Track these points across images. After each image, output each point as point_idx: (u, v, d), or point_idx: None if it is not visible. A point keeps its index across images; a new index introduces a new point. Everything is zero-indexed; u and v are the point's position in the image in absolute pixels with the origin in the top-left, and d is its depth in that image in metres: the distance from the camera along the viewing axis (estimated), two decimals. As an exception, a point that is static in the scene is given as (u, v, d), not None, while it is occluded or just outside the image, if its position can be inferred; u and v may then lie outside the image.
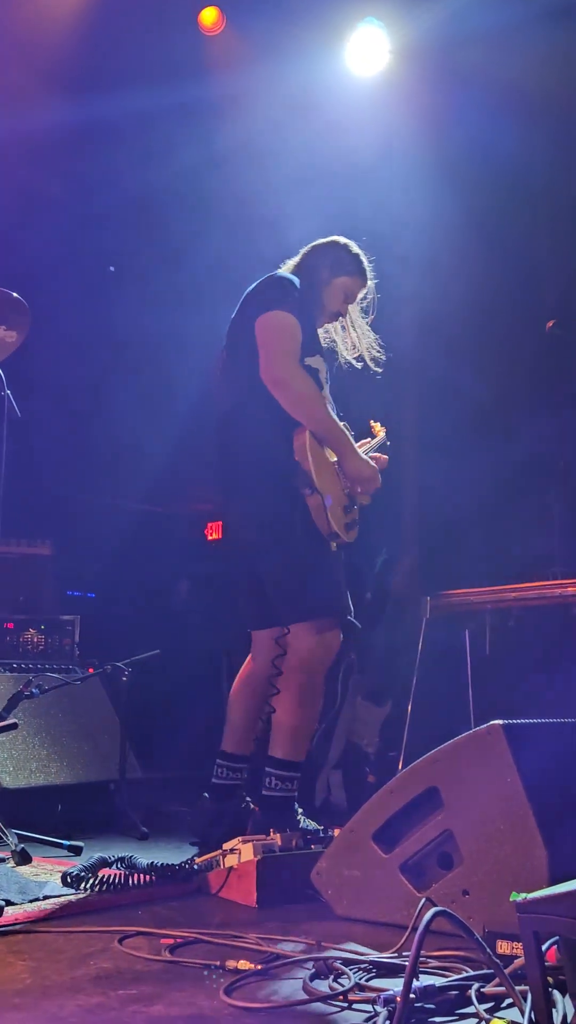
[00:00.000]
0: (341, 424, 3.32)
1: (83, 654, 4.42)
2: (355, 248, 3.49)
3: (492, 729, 2.43)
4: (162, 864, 2.92)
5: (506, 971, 1.89)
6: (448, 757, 2.48)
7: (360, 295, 3.49)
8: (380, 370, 3.53)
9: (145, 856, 3.10)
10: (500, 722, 2.42)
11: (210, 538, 4.87)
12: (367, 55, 5.09)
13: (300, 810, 3.30)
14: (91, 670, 4.09)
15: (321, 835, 3.01)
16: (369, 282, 3.49)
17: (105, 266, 5.15)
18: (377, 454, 3.52)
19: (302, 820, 3.25)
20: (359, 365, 3.55)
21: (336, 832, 2.87)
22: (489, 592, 4.04)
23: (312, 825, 3.21)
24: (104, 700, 4.22)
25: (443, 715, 4.17)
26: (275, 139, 4.76)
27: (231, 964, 2.18)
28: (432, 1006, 1.91)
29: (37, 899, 2.68)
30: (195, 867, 2.88)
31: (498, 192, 4.78)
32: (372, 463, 3.34)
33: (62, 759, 3.93)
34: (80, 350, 5.07)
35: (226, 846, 2.85)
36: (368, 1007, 1.94)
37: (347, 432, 3.34)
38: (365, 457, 3.36)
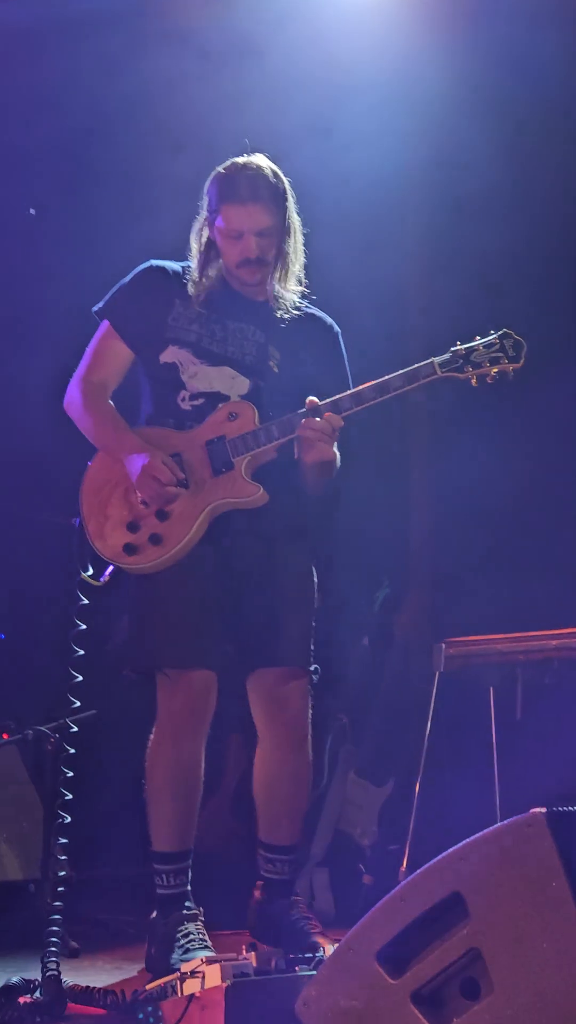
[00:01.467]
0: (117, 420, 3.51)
1: (-7, 714, 4.47)
2: (224, 166, 3.46)
3: (533, 819, 2.38)
4: (101, 990, 2.92)
5: None
6: (475, 854, 2.43)
7: (243, 217, 3.40)
8: (302, 304, 3.52)
9: (76, 978, 3.10)
10: (542, 809, 2.38)
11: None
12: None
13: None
14: (5, 736, 4.12)
15: (308, 953, 2.99)
16: (241, 174, 3.41)
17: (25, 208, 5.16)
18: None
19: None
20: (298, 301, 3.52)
21: (327, 949, 2.90)
22: (522, 639, 4.06)
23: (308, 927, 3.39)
24: (22, 775, 4.21)
25: (462, 797, 4.17)
26: (260, 43, 4.78)
27: None
28: None
29: None
30: (143, 995, 2.86)
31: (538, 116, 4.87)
32: (149, 455, 3.36)
33: (-35, 852, 3.93)
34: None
35: (185, 967, 2.83)
36: None
37: (112, 423, 3.50)
38: (143, 447, 3.40)
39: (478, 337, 3.38)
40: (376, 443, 5.03)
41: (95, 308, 3.54)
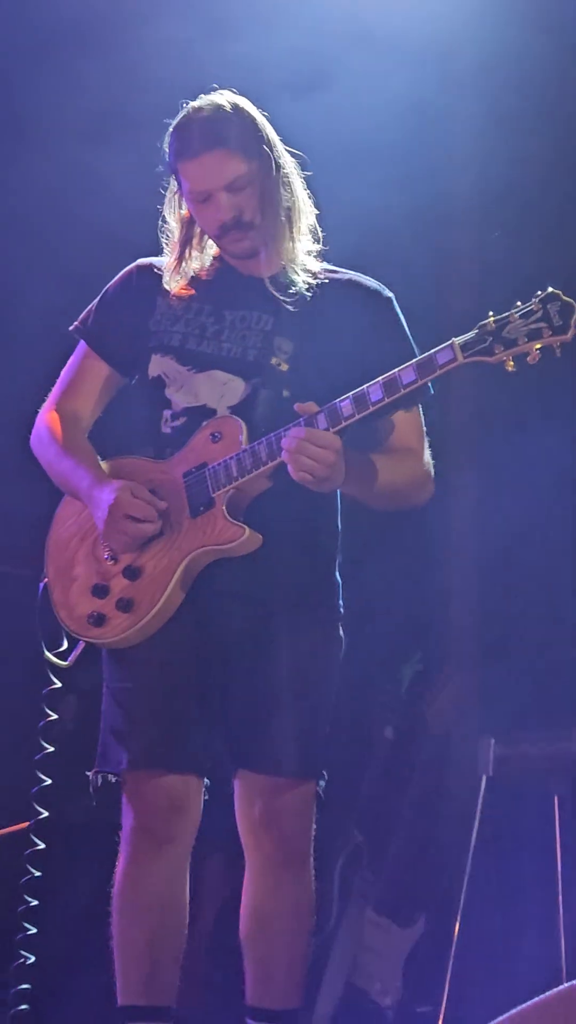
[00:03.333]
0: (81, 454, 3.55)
1: None
2: (176, 118, 3.46)
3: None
4: None
5: None
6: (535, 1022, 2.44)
7: (201, 172, 3.37)
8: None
9: None
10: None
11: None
12: None
13: None
14: None
15: None
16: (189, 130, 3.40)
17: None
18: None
19: None
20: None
21: None
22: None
23: None
24: None
25: (516, 942, 4.21)
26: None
27: None
28: None
29: None
30: None
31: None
32: (116, 489, 3.37)
33: None
34: None
35: None
36: None
37: (76, 455, 3.53)
38: (105, 480, 3.43)
39: (519, 303, 3.24)
40: None
41: (71, 327, 3.60)
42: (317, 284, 3.45)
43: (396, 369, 3.24)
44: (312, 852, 3.48)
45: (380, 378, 3.26)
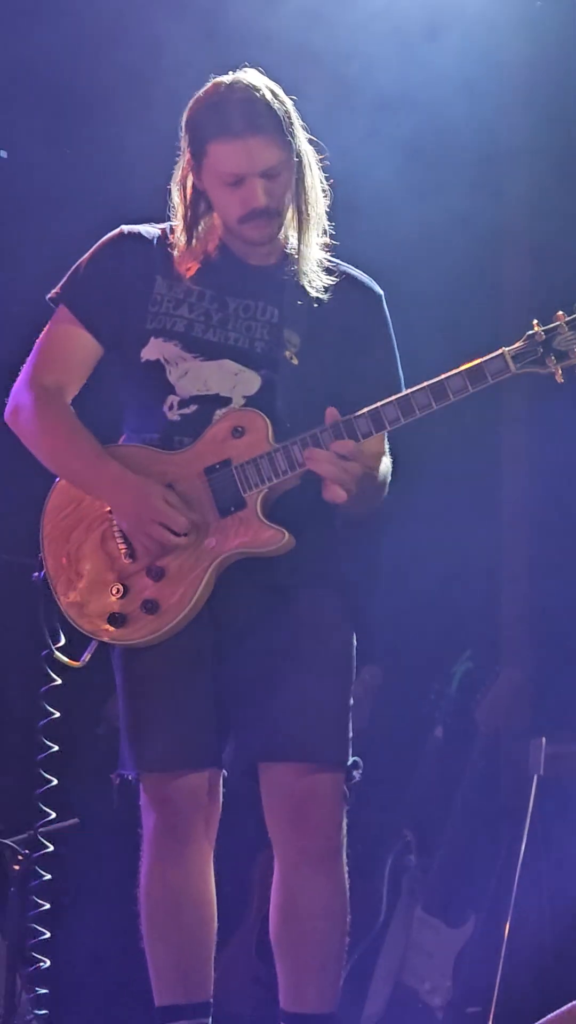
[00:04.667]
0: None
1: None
2: (204, 90, 3.37)
3: None
4: None
5: None
6: None
7: (241, 156, 3.29)
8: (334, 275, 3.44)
9: None
10: None
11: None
12: None
13: None
14: None
15: None
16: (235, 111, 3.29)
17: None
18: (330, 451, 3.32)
19: None
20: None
21: None
22: None
23: None
24: None
25: (567, 943, 4.17)
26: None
27: None
28: None
29: None
30: None
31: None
32: (146, 493, 3.28)
33: None
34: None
35: None
36: None
37: (80, 442, 3.39)
38: (126, 477, 3.32)
39: (561, 313, 3.20)
40: (454, 447, 5.09)
41: (49, 295, 3.46)
42: (320, 278, 3.41)
43: (443, 375, 3.21)
44: (344, 848, 3.37)
45: (426, 384, 3.23)
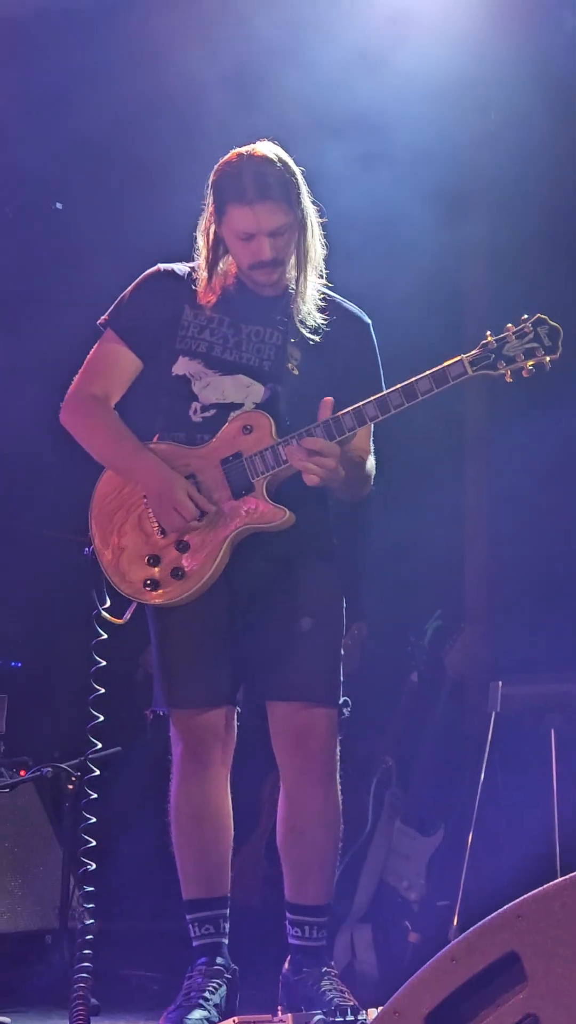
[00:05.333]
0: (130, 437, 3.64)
1: (9, 750, 4.56)
2: (227, 159, 3.57)
3: (599, 873, 2.40)
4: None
5: None
6: (534, 911, 2.36)
7: (251, 219, 3.50)
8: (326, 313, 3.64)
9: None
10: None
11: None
12: None
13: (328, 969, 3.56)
14: (23, 773, 4.28)
15: (350, 1016, 3.16)
16: (248, 177, 3.49)
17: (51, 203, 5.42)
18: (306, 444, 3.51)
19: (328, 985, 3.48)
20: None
21: (370, 1014, 2.95)
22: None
23: (337, 995, 3.43)
24: (40, 816, 4.36)
25: (519, 848, 4.26)
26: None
27: None
28: None
29: None
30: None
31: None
32: (170, 484, 3.51)
33: (-25, 899, 4.02)
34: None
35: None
36: None
37: (122, 439, 3.63)
38: (160, 469, 3.55)
39: (510, 326, 3.42)
40: (426, 442, 5.32)
41: (99, 320, 3.69)
42: (317, 308, 3.60)
43: (412, 379, 3.41)
44: (338, 770, 3.57)
45: (399, 385, 3.43)
